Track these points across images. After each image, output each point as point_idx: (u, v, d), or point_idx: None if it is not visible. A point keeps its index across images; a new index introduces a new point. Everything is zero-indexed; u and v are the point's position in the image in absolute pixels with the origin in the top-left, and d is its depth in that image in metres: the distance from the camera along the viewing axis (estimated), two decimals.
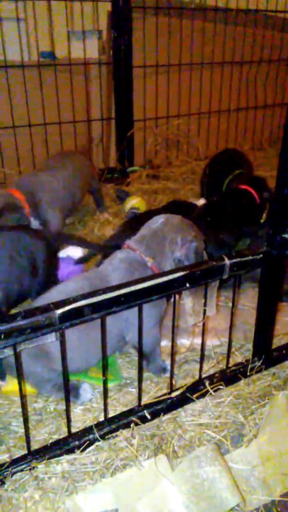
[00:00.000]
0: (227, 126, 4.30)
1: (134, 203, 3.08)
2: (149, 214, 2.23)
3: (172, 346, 1.44)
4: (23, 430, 1.40)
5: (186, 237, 1.63)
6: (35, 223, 2.40)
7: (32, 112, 3.34)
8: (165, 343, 1.79)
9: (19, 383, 1.19)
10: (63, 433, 1.40)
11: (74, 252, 2.35)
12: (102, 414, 1.45)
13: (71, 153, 2.93)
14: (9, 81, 3.20)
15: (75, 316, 1.17)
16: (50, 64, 3.42)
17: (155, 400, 1.47)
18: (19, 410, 1.49)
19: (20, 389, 1.19)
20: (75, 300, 1.18)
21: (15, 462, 1.26)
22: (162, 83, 3.76)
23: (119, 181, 3.64)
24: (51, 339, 1.19)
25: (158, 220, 1.67)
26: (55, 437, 1.39)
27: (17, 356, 1.14)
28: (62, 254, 2.29)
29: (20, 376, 1.18)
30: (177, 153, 4.09)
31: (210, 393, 1.52)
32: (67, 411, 1.30)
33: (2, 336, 1.08)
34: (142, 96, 3.67)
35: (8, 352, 1.13)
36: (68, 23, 3.45)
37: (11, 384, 1.56)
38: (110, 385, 1.57)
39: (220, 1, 3.86)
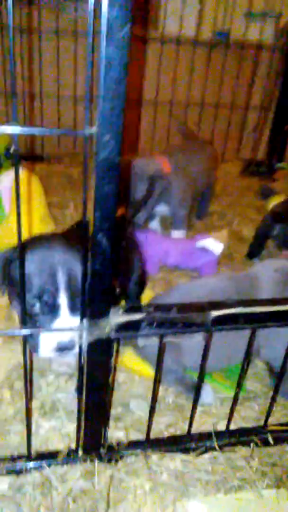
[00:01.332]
0: None
1: (278, 203, 2.89)
2: None
3: None
4: (140, 412, 1.40)
5: None
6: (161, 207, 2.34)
7: (194, 90, 3.29)
8: None
9: (156, 374, 1.16)
10: (179, 428, 1.36)
11: (212, 244, 2.27)
12: (221, 422, 1.39)
13: (204, 142, 2.80)
14: (179, 56, 3.17)
15: (228, 322, 1.10)
16: (221, 43, 3.30)
17: (282, 428, 1.36)
18: (139, 391, 1.49)
19: (155, 383, 1.17)
20: (232, 305, 1.10)
21: (132, 444, 1.26)
22: None
23: (264, 176, 3.45)
24: (198, 338, 1.14)
25: None
26: (171, 430, 1.36)
27: (162, 347, 1.11)
28: (199, 244, 2.23)
29: (158, 367, 1.16)
30: None
31: None
32: (193, 410, 1.25)
33: (154, 324, 1.05)
34: None
35: (154, 341, 1.11)
36: (249, 4, 3.28)
37: (133, 361, 1.56)
38: (231, 394, 1.49)
39: None
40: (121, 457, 1.23)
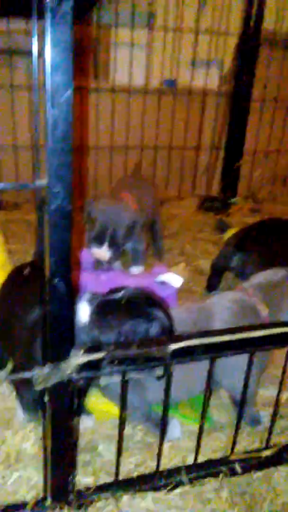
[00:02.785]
0: None
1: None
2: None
3: (277, 401, 1.35)
4: (109, 454, 1.40)
5: None
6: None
7: (146, 135, 3.45)
8: (261, 392, 1.70)
9: (120, 412, 1.18)
10: (149, 466, 1.37)
11: (171, 278, 2.33)
12: (189, 455, 1.40)
13: (145, 180, 2.89)
14: (130, 104, 3.35)
15: (187, 354, 1.15)
16: (169, 91, 3.52)
17: (248, 455, 1.38)
18: (107, 432, 1.49)
19: (121, 417, 1.18)
20: (189, 337, 1.15)
21: (101, 488, 1.25)
22: (279, 118, 3.69)
23: (219, 211, 3.60)
24: (159, 373, 1.17)
25: (278, 274, 1.60)
26: (141, 469, 1.36)
27: (124, 383, 1.14)
28: (158, 279, 2.29)
29: (123, 404, 1.18)
30: (283, 190, 3.96)
31: None
32: (160, 447, 1.27)
33: (115, 362, 1.08)
34: (256, 129, 3.63)
35: (116, 378, 1.13)
36: (194, 53, 3.54)
37: (99, 402, 1.56)
38: (197, 426, 1.51)
39: None
40: (91, 502, 1.22)
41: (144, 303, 1.28)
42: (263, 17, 3.30)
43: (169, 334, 1.25)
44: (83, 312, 1.29)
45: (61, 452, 1.14)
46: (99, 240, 2.13)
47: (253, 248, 2.27)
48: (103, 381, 1.13)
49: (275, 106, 3.61)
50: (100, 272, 2.27)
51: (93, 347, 1.08)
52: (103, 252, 2.14)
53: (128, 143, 3.45)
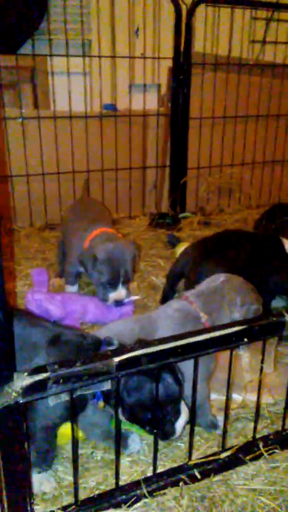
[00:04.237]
0: (281, 176, 4.30)
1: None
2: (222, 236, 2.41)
3: (227, 404, 1.39)
4: (70, 477, 1.39)
5: (246, 299, 1.64)
6: None
7: (91, 159, 3.52)
8: (215, 397, 1.74)
9: (72, 432, 1.19)
10: (110, 484, 1.37)
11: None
12: (150, 468, 1.41)
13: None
14: (72, 130, 3.41)
15: (132, 365, 1.17)
16: (111, 115, 3.61)
17: (205, 459, 1.41)
18: (66, 455, 1.48)
19: (73, 437, 1.19)
20: (132, 349, 1.18)
21: (62, 510, 1.24)
22: (218, 134, 3.85)
23: (170, 227, 3.69)
24: (107, 387, 1.19)
25: (219, 279, 1.67)
26: (102, 487, 1.36)
27: (73, 402, 1.15)
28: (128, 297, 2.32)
29: (74, 424, 1.18)
30: (229, 201, 4.11)
31: (265, 456, 1.45)
32: (117, 462, 1.27)
33: (61, 381, 1.09)
34: (197, 145, 3.77)
35: (65, 397, 1.14)
36: (130, 77, 3.67)
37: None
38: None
39: (277, 57, 3.98)
40: None
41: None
42: (190, 41, 3.48)
43: None
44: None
45: (16, 480, 1.13)
46: (114, 283, 2.21)
47: (209, 259, 2.33)
48: (51, 401, 1.13)
49: (212, 122, 3.78)
50: (54, 293, 2.28)
51: (37, 368, 1.08)
52: (121, 293, 2.22)
53: (74, 168, 3.49)
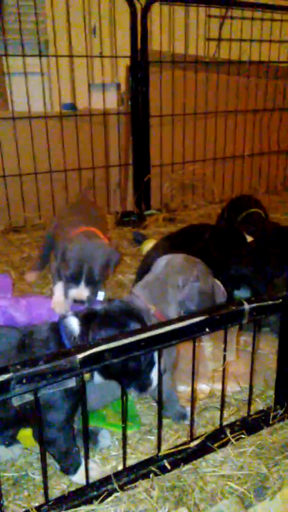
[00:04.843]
0: (242, 171, 4.39)
1: (151, 245, 3.12)
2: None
3: (192, 393, 1.42)
4: (39, 477, 1.38)
5: (187, 278, 1.58)
6: None
7: (53, 159, 3.48)
8: (184, 388, 1.76)
9: (39, 429, 1.18)
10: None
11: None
12: (121, 463, 1.42)
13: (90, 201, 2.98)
14: (32, 131, 3.37)
15: (96, 361, 1.18)
16: (71, 115, 3.59)
17: (174, 449, 1.43)
18: (37, 457, 1.47)
19: (41, 435, 1.18)
20: (96, 344, 1.18)
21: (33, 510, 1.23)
22: (178, 131, 3.90)
23: (136, 224, 3.70)
24: (71, 384, 1.19)
25: (160, 263, 1.63)
26: (74, 486, 1.36)
27: (37, 401, 1.14)
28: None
29: (39, 421, 1.18)
30: (193, 197, 4.17)
31: (232, 442, 1.48)
32: (86, 459, 1.28)
33: (24, 381, 1.08)
34: (159, 143, 3.81)
35: (29, 397, 1.13)
36: (88, 77, 3.65)
37: (26, 430, 1.54)
38: (128, 432, 1.53)
39: (233, 55, 4.06)
40: None
41: (121, 314, 1.35)
42: (147, 40, 3.50)
43: None
44: (73, 324, 1.34)
45: None
46: (75, 280, 2.10)
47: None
48: (15, 402, 1.12)
49: (172, 119, 3.81)
50: (19, 298, 2.25)
51: None
52: (81, 292, 2.11)
53: (36, 169, 3.45)
